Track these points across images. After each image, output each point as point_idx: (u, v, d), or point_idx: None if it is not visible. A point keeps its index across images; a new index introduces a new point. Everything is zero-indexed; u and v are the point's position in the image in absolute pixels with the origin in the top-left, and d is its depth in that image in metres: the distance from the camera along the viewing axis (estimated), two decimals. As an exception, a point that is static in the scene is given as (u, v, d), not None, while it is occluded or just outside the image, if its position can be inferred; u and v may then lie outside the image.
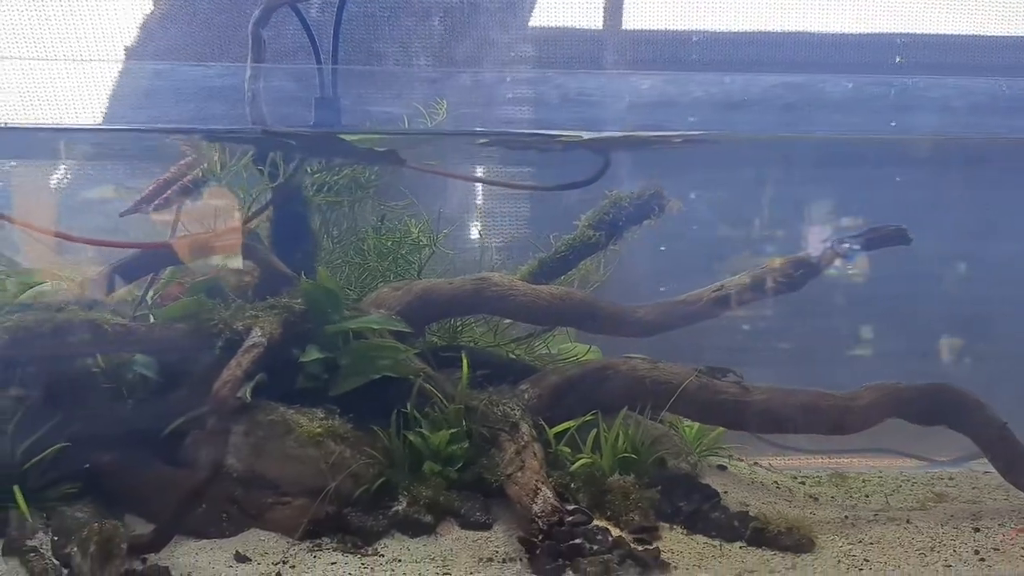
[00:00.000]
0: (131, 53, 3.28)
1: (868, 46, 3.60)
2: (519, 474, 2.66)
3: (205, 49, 3.30)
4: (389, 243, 3.18)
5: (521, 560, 2.51)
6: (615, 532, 2.55)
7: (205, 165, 2.90)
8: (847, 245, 2.82)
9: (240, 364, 2.57)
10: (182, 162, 2.97)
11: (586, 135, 2.54)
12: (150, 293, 3.02)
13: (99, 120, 3.10)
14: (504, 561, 2.51)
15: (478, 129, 2.72)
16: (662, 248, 3.28)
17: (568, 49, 3.59)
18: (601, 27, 3.67)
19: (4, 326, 2.59)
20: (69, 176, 3.57)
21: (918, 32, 3.60)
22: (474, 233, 3.31)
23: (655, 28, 3.66)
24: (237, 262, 2.96)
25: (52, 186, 3.27)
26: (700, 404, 2.91)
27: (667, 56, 3.55)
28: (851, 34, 3.59)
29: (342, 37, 3.00)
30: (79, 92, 3.08)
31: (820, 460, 3.57)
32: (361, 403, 2.85)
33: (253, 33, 2.91)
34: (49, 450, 2.55)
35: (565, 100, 2.58)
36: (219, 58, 3.22)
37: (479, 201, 3.48)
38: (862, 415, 2.95)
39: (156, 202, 2.81)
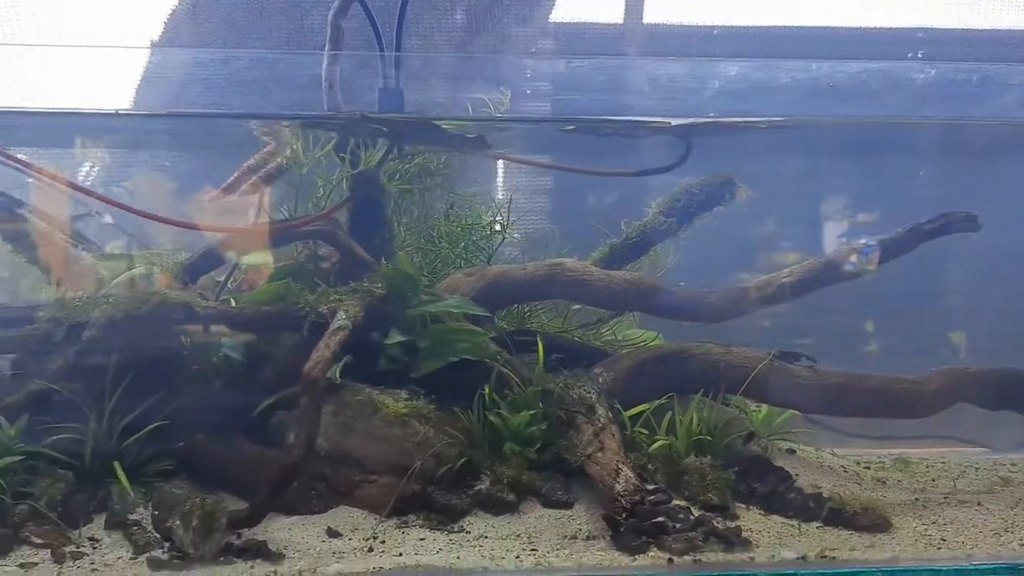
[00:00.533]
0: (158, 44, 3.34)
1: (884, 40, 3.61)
2: (599, 454, 2.72)
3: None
4: (459, 229, 3.24)
5: (605, 538, 2.56)
6: (695, 512, 2.63)
7: (288, 152, 2.99)
8: (920, 228, 2.85)
9: (328, 346, 2.64)
10: (264, 150, 3.06)
11: (674, 121, 2.58)
12: (231, 280, 3.11)
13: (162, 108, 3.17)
14: (588, 538, 2.57)
15: (567, 116, 2.77)
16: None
17: (589, 44, 3.64)
18: (622, 21, 3.71)
19: (102, 308, 2.68)
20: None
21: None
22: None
23: (676, 22, 3.71)
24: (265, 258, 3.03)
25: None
26: (773, 388, 2.95)
27: (691, 50, 3.59)
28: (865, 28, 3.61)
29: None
30: (140, 80, 3.14)
31: (881, 448, 3.60)
32: (439, 385, 2.93)
33: (332, 23, 2.97)
34: (147, 428, 2.64)
35: (654, 86, 2.62)
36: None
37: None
38: (932, 399, 2.98)
39: (242, 189, 2.90)
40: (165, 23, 3.39)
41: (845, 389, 2.95)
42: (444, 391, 2.91)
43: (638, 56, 3.11)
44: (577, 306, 3.28)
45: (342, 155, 2.90)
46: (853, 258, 2.83)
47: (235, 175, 2.97)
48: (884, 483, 3.12)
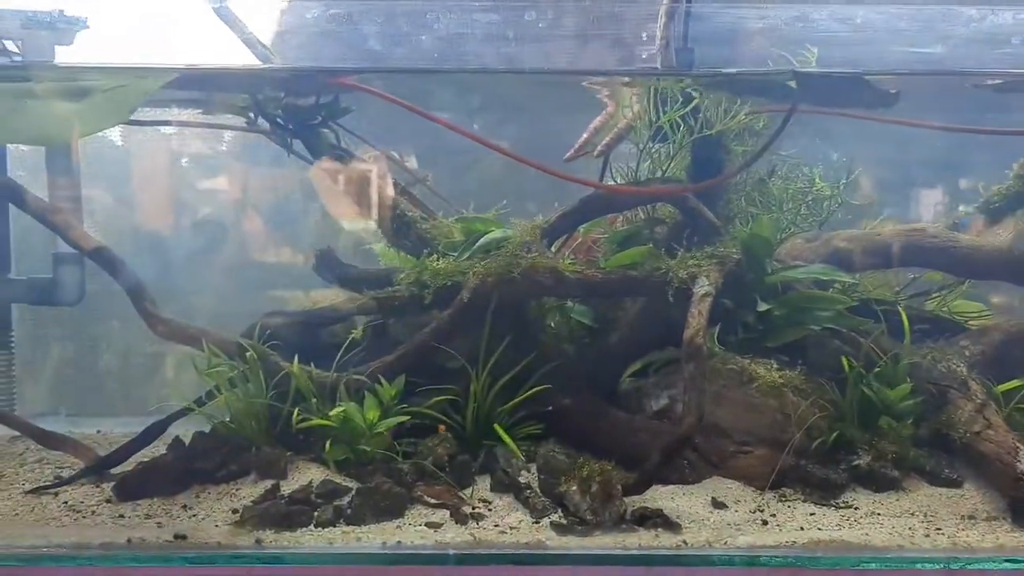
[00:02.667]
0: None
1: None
2: (989, 432, 2.56)
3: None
4: (790, 192, 3.10)
5: (1006, 519, 2.42)
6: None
7: (631, 114, 2.91)
8: None
9: (701, 312, 2.55)
10: (607, 111, 2.99)
11: None
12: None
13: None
14: (988, 519, 2.41)
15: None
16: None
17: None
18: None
19: (474, 270, 2.67)
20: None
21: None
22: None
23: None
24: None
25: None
26: None
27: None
28: None
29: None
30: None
31: None
32: (794, 355, 2.83)
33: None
34: (529, 392, 2.63)
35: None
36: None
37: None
38: None
39: (599, 148, 2.84)
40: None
41: None
42: (798, 360, 2.82)
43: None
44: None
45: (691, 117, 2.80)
46: None
47: (584, 136, 2.92)
48: None
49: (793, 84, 2.50)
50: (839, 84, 2.43)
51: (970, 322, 3.04)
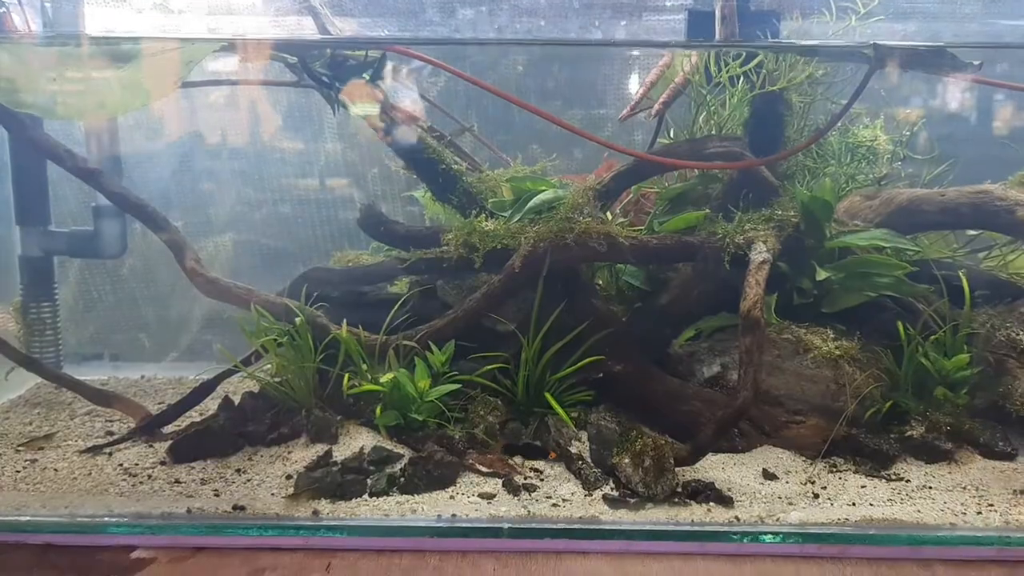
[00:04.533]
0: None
1: None
2: (1049, 405, 2.53)
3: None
4: (851, 144, 2.97)
5: (1060, 496, 2.42)
6: None
7: (689, 66, 2.77)
8: None
9: (758, 282, 2.49)
10: (662, 62, 2.86)
11: None
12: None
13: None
14: (1042, 495, 2.42)
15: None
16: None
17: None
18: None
19: (526, 236, 2.61)
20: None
21: None
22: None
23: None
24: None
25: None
26: None
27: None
28: None
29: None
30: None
31: None
32: (851, 322, 2.77)
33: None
34: (582, 362, 2.60)
35: None
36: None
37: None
38: None
39: (656, 106, 2.73)
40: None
41: None
42: (854, 327, 2.76)
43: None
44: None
45: (754, 72, 2.67)
46: None
47: (639, 91, 2.80)
48: None
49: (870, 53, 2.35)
50: (921, 54, 2.29)
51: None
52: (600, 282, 2.90)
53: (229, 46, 2.26)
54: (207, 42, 2.22)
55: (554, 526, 2.25)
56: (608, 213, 3.00)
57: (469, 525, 2.26)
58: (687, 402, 2.63)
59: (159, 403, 3.04)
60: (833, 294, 2.73)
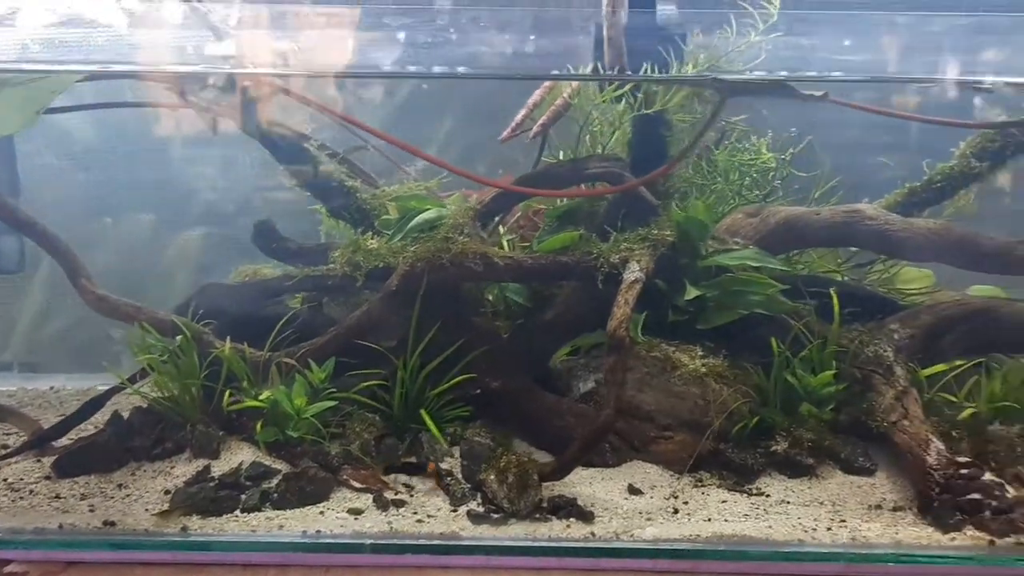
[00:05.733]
0: None
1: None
2: (905, 422, 2.60)
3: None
4: (736, 162, 3.05)
5: (911, 510, 2.48)
6: (1012, 490, 2.50)
7: (567, 93, 2.84)
8: None
9: (627, 301, 2.56)
10: (544, 86, 2.92)
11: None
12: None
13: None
14: (894, 510, 2.48)
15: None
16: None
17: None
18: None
19: (404, 256, 2.67)
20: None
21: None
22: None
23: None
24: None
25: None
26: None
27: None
28: None
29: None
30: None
31: None
32: (722, 337, 2.85)
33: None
34: (458, 378, 2.67)
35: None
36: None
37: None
38: None
39: (535, 129, 2.79)
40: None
41: None
42: (729, 344, 2.84)
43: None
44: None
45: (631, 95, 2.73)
46: None
47: (522, 113, 2.86)
48: None
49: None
50: (763, 85, 2.36)
51: (906, 298, 3.06)
52: (490, 297, 2.98)
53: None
54: (71, 73, 2.28)
55: (415, 542, 2.33)
56: (500, 228, 3.09)
57: (333, 540, 2.33)
58: (562, 417, 2.71)
59: (60, 415, 3.09)
60: (708, 311, 2.81)
